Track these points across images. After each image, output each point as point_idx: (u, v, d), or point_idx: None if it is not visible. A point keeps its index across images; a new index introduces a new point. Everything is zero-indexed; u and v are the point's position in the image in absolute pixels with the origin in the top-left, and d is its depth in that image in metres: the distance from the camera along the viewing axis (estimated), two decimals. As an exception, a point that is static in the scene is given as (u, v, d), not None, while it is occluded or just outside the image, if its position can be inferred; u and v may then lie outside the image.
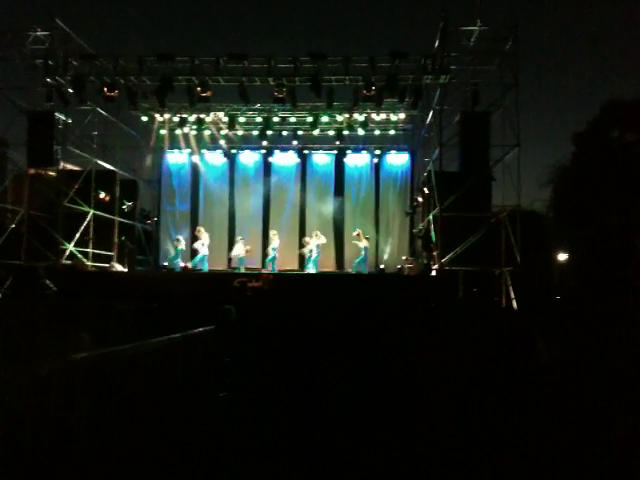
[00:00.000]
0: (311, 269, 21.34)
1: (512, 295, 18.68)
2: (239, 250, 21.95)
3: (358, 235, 21.62)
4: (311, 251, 21.49)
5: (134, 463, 4.64)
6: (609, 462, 4.46)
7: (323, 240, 21.64)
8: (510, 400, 4.97)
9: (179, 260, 22.12)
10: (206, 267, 21.69)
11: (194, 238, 22.69)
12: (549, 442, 4.73)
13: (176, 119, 23.60)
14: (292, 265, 23.50)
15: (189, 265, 21.87)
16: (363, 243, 21.45)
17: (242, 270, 21.10)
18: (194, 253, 22.37)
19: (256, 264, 22.74)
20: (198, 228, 22.45)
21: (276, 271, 21.04)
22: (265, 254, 22.46)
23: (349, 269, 23.12)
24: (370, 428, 5.33)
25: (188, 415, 5.77)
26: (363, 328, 7.24)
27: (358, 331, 7.06)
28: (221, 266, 23.94)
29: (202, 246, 21.70)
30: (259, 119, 23.53)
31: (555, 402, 5.08)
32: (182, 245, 22.46)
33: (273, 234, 21.96)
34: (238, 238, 22.66)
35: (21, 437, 3.58)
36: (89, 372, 4.24)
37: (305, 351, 6.75)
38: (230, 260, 24.26)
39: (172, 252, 22.90)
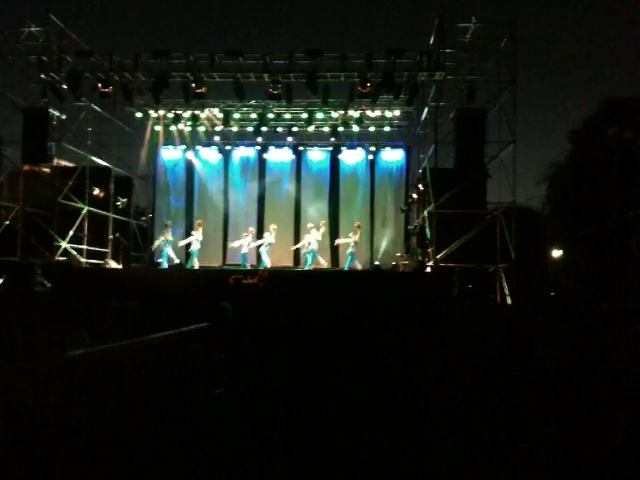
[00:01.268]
0: (309, 262, 21.25)
1: (507, 292, 18.72)
2: (246, 241, 21.82)
3: (358, 227, 21.53)
4: (309, 244, 21.40)
5: (132, 460, 4.63)
6: (609, 461, 4.46)
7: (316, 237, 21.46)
8: (510, 399, 4.97)
9: (169, 253, 21.96)
10: (190, 264, 21.67)
11: (188, 232, 22.79)
12: (549, 441, 4.73)
13: (171, 115, 23.58)
14: (287, 262, 23.50)
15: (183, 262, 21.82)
16: (354, 238, 21.34)
17: (248, 267, 20.99)
18: (187, 246, 22.33)
19: (253, 260, 22.65)
20: (198, 221, 22.40)
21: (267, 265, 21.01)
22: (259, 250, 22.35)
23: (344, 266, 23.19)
24: (370, 428, 5.33)
25: (186, 412, 5.76)
26: (360, 325, 7.24)
27: (355, 328, 7.06)
28: (216, 263, 23.94)
29: (196, 242, 21.65)
30: (254, 115, 23.50)
31: (555, 401, 5.08)
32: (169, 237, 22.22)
33: (273, 229, 21.85)
34: (243, 235, 22.47)
35: (18, 435, 3.56)
36: (86, 369, 4.22)
37: (302, 348, 6.74)
38: (225, 257, 24.29)
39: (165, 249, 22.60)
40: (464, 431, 5.05)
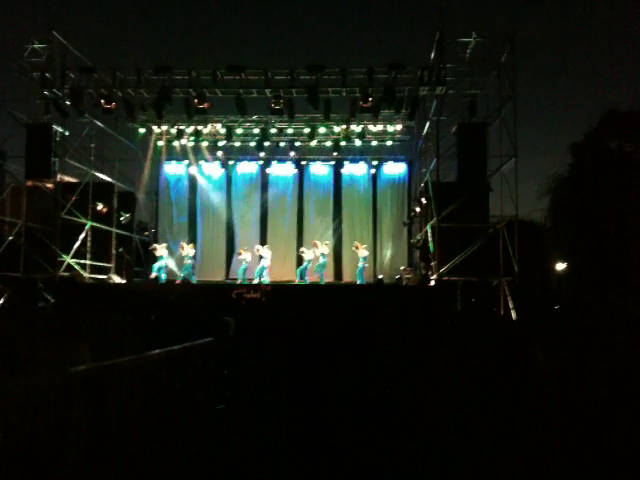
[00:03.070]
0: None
1: (511, 305, 18.66)
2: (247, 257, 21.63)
3: (357, 248, 21.48)
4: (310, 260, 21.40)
5: (133, 475, 4.62)
6: (610, 464, 4.45)
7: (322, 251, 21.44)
8: (510, 399, 4.97)
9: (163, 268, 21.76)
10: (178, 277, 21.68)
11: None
12: (549, 443, 4.72)
13: (173, 131, 23.68)
14: (290, 276, 23.48)
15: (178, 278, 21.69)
16: (363, 252, 21.33)
17: (244, 280, 20.85)
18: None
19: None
20: (182, 244, 22.07)
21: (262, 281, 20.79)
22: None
23: (348, 279, 23.25)
24: (370, 428, 5.33)
25: (188, 427, 5.75)
26: (364, 339, 7.24)
27: (358, 342, 7.06)
28: (219, 277, 23.93)
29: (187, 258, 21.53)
30: (256, 130, 23.60)
31: (555, 404, 5.08)
32: (163, 253, 21.92)
33: (267, 248, 21.79)
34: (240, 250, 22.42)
35: (18, 450, 3.56)
36: (88, 384, 4.22)
37: (305, 358, 6.74)
38: (228, 272, 24.23)
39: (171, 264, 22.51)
40: (463, 431, 5.05)
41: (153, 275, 21.20)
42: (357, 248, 21.37)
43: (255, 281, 20.50)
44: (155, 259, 21.87)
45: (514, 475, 4.64)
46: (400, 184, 24.95)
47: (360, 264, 21.21)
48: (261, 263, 21.02)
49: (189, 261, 21.47)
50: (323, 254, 21.18)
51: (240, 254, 21.84)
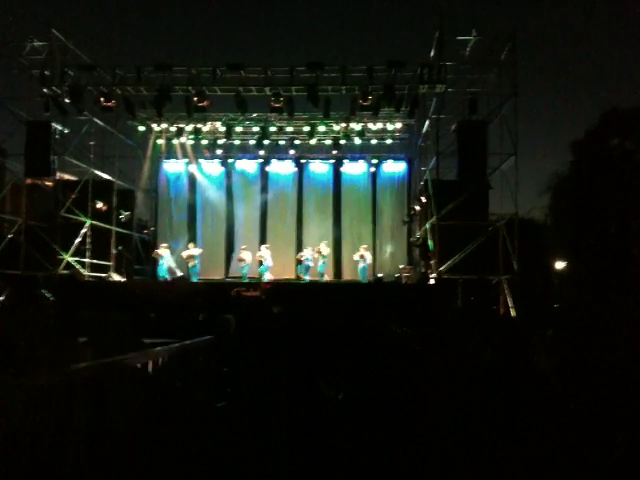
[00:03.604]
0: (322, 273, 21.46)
1: (510, 303, 18.67)
2: (247, 257, 21.77)
3: (361, 257, 21.54)
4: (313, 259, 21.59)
5: (133, 474, 4.62)
6: (610, 464, 4.45)
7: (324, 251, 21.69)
8: (510, 402, 4.97)
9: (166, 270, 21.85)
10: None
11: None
12: (549, 443, 4.72)
13: (173, 129, 23.67)
14: (289, 274, 23.49)
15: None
16: (367, 259, 21.48)
17: (246, 280, 20.94)
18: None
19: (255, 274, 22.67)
20: (187, 254, 22.20)
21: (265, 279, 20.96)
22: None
23: (347, 277, 23.30)
24: (370, 428, 5.33)
25: (188, 426, 5.75)
26: (363, 338, 7.24)
27: (358, 341, 7.06)
28: (219, 275, 23.93)
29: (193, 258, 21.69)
30: (256, 128, 23.60)
31: (555, 404, 5.07)
32: (164, 253, 22.09)
33: (266, 247, 21.99)
34: (242, 247, 22.63)
35: (19, 449, 3.56)
36: (88, 382, 4.22)
37: (304, 356, 6.74)
38: (228, 270, 24.25)
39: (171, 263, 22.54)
40: (464, 431, 5.04)
41: (169, 280, 21.35)
42: (361, 257, 21.45)
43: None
44: (157, 260, 21.94)
45: (514, 475, 4.63)
46: (400, 182, 24.95)
47: (362, 264, 21.33)
48: (263, 263, 21.20)
49: (194, 262, 21.60)
50: (323, 255, 21.32)
51: (241, 259, 21.91)
